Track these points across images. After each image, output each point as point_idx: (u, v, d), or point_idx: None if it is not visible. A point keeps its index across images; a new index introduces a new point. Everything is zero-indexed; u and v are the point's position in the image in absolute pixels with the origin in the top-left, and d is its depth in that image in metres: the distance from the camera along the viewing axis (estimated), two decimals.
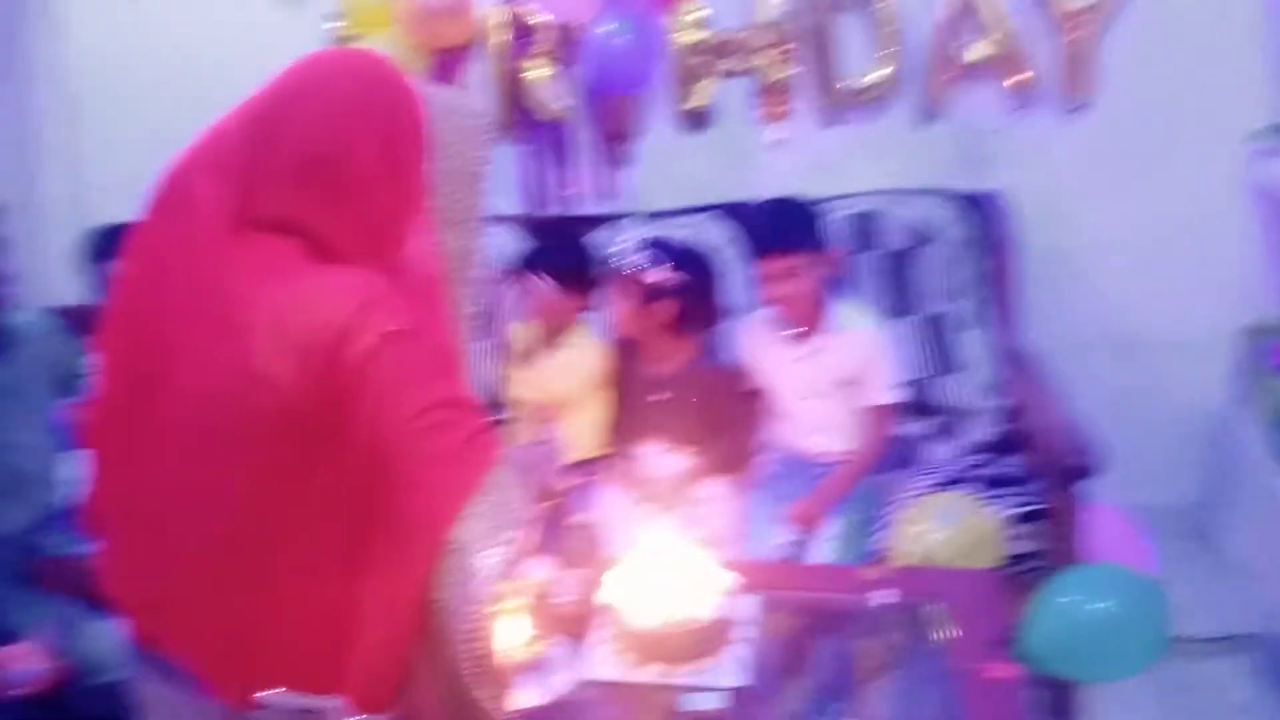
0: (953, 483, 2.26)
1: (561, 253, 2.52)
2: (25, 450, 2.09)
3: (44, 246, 3.11)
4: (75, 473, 2.25)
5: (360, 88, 1.13)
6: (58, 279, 3.07)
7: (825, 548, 2.20)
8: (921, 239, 2.68)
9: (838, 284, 2.42)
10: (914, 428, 2.58)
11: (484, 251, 1.28)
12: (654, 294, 2.30)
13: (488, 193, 1.26)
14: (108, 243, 2.73)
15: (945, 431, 2.59)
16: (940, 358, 2.63)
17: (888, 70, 2.76)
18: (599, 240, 2.84)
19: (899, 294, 2.67)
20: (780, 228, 2.30)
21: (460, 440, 1.03)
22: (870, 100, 2.80)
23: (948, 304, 2.66)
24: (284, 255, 1.08)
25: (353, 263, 1.10)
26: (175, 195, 1.14)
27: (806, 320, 2.31)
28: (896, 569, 1.97)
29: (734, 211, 2.81)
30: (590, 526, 2.31)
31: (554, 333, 2.49)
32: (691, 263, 2.38)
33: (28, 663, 1.75)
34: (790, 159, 2.86)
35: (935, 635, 1.72)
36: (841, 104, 2.82)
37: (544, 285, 2.44)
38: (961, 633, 1.68)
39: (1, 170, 2.96)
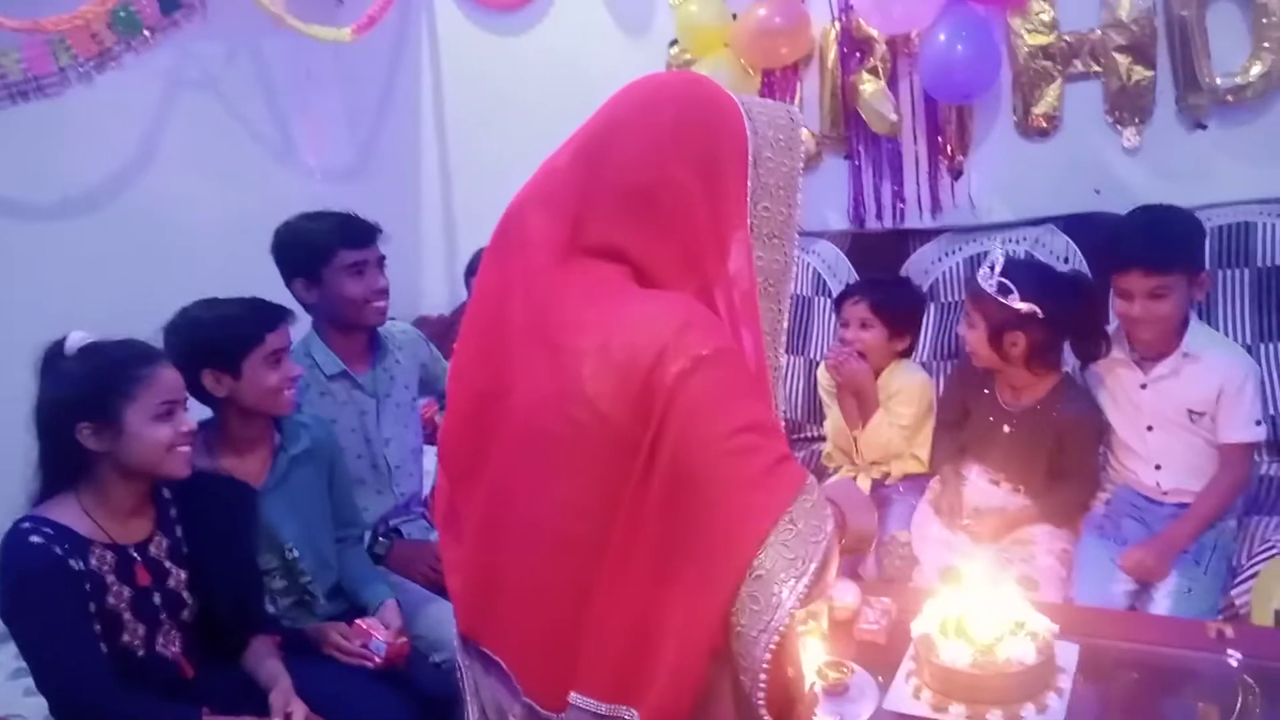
0: None
1: (890, 291, 2.50)
2: (394, 445, 2.35)
3: (418, 263, 3.52)
4: (432, 465, 2.52)
5: (679, 113, 1.18)
6: (428, 293, 3.47)
7: (1168, 599, 2.01)
8: None
9: (1200, 305, 2.20)
10: None
11: (797, 266, 1.27)
12: (1010, 323, 2.14)
13: (805, 205, 1.25)
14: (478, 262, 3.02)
15: None
16: None
17: (1269, 65, 2.46)
18: (927, 256, 2.78)
19: (1274, 315, 2.38)
20: (1155, 240, 2.08)
21: (766, 465, 1.05)
22: (1244, 99, 2.51)
23: None
24: (610, 280, 1.15)
25: (673, 285, 1.15)
26: (511, 227, 1.24)
27: (1160, 343, 2.12)
28: (1253, 628, 1.76)
29: (1079, 224, 2.65)
30: (906, 544, 2.26)
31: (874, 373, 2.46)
32: (1066, 292, 2.18)
33: (380, 636, 1.94)
34: (1147, 166, 2.64)
35: None
36: (1210, 104, 2.55)
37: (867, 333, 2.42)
38: None
39: (389, 193, 3.35)
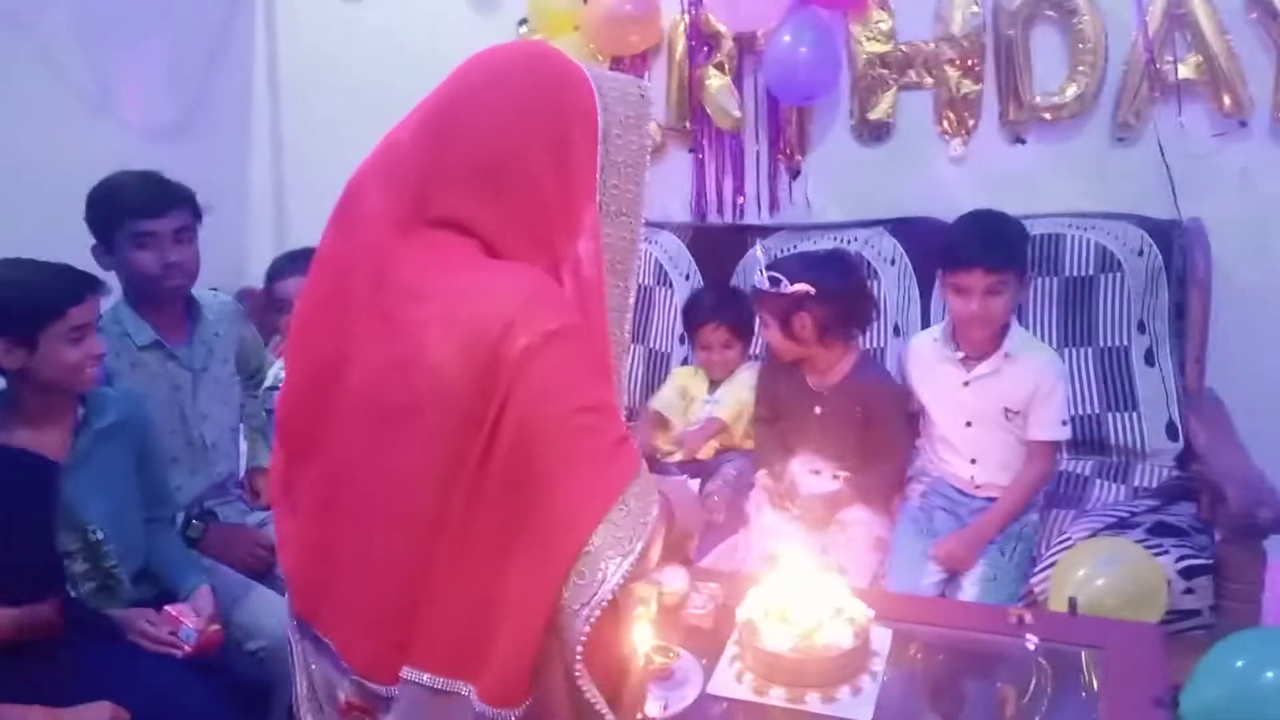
0: (1119, 527, 2.13)
1: (737, 306, 2.61)
2: (210, 421, 2.24)
3: (244, 232, 3.36)
4: (249, 446, 2.42)
5: (526, 87, 1.16)
6: (254, 264, 3.32)
7: (974, 587, 2.12)
8: (1107, 266, 2.54)
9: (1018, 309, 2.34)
10: (1081, 465, 2.46)
11: (642, 246, 1.27)
12: (792, 308, 2.27)
13: (649, 195, 1.25)
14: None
15: (1115, 472, 2.45)
16: (1116, 393, 2.50)
17: (1083, 86, 2.63)
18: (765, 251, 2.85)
19: (1078, 323, 2.55)
20: (993, 240, 2.19)
21: (605, 446, 1.06)
22: (1062, 118, 2.68)
23: (1129, 337, 2.52)
24: (457, 251, 1.13)
25: (522, 259, 1.13)
26: (352, 200, 1.20)
27: (984, 344, 2.23)
28: (1050, 614, 1.88)
29: (906, 227, 2.76)
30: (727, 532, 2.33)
31: (720, 379, 2.63)
32: (828, 267, 2.34)
33: (190, 623, 1.85)
34: (971, 176, 2.78)
35: (1086, 687, 1.64)
36: (1030, 121, 2.71)
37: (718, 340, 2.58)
38: (1115, 688, 1.59)
39: (215, 156, 3.17)
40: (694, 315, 2.65)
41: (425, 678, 1.09)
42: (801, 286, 2.26)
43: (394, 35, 3.16)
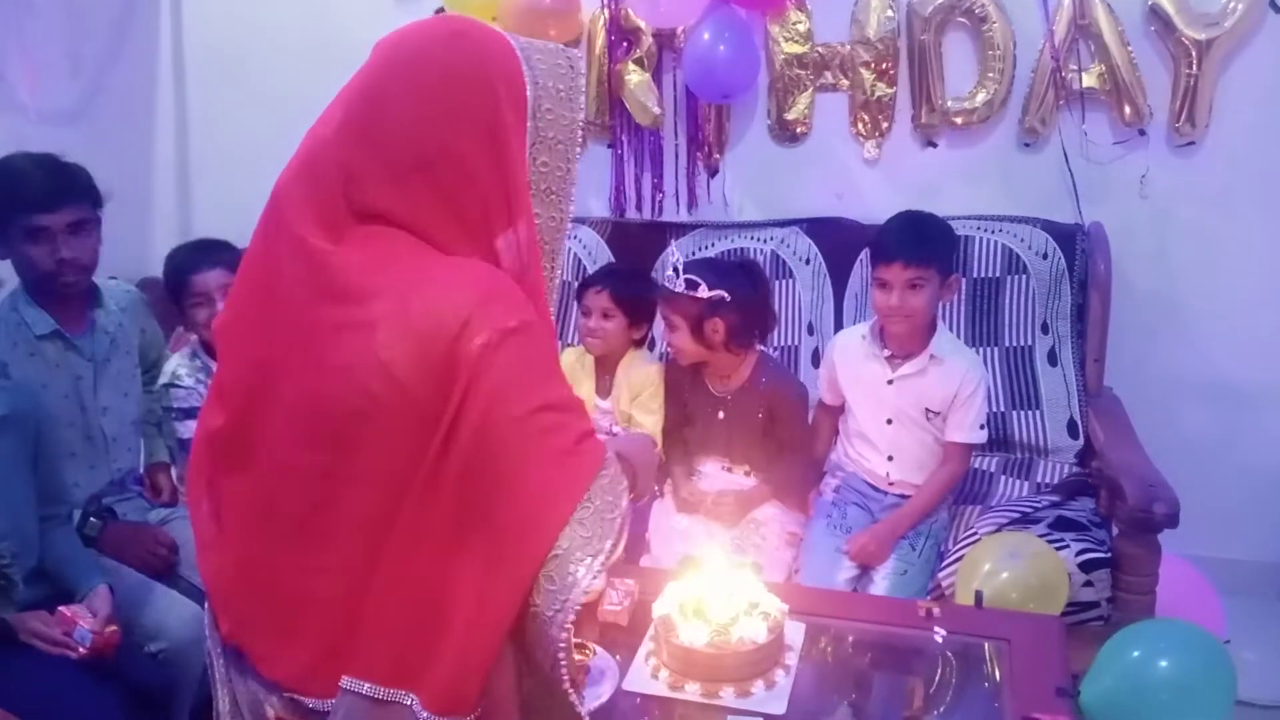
0: (1023, 522, 2.19)
1: (630, 282, 2.53)
2: (111, 414, 2.15)
3: (148, 220, 3.26)
4: (147, 442, 2.34)
5: (452, 70, 1.10)
6: (158, 252, 3.21)
7: (885, 581, 2.16)
8: (1013, 268, 2.62)
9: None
10: (987, 462, 2.52)
11: (569, 226, 1.23)
12: (706, 312, 2.26)
13: (579, 172, 1.21)
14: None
15: (1019, 469, 2.52)
16: (1021, 392, 2.57)
17: (992, 93, 2.70)
18: (682, 250, 2.84)
19: (985, 323, 2.62)
20: (916, 236, 2.23)
21: (567, 445, 1.03)
22: (972, 123, 2.74)
23: (1034, 337, 2.59)
24: (397, 245, 1.08)
25: (460, 249, 1.09)
26: (275, 208, 1.14)
27: (910, 343, 2.27)
28: (957, 607, 1.92)
29: (820, 227, 2.80)
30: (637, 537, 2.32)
31: (612, 360, 2.52)
32: (741, 275, 2.34)
33: (85, 624, 1.78)
34: (885, 178, 2.83)
35: (990, 678, 1.68)
36: (941, 125, 2.77)
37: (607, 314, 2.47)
38: (1018, 678, 1.63)
39: (117, 142, 3.07)
40: (585, 282, 2.58)
41: (366, 687, 1.05)
42: (718, 292, 2.25)
43: (305, 21, 3.09)
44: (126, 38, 3.17)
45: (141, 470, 2.33)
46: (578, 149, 1.18)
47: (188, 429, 2.20)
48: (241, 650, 1.17)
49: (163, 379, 2.29)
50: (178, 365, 2.28)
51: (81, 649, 1.76)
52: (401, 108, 1.09)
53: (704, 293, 2.25)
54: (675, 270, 2.30)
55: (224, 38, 3.17)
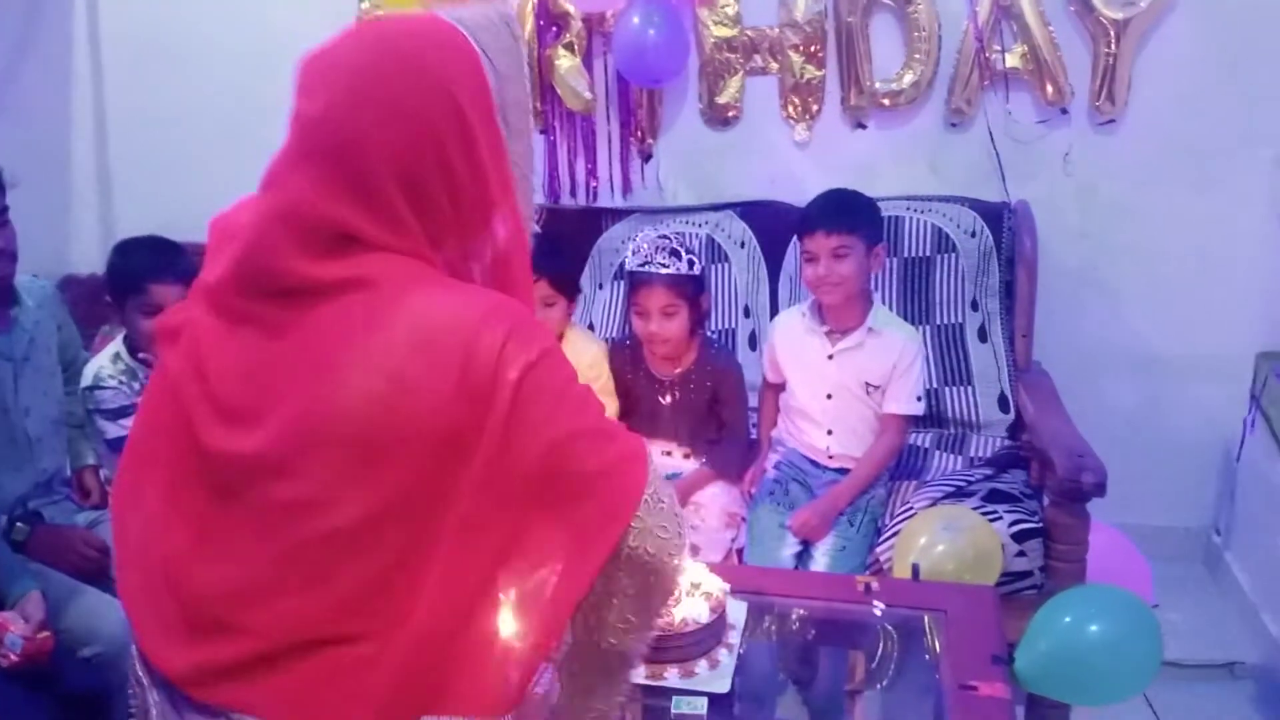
0: (957, 495, 2.24)
1: (559, 262, 2.45)
2: (34, 415, 2.09)
3: (66, 214, 3.16)
4: (71, 444, 2.28)
5: (412, 86, 1.03)
6: (77, 248, 3.12)
7: (825, 557, 2.19)
8: (942, 247, 2.66)
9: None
10: (922, 438, 2.56)
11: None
12: (699, 291, 2.29)
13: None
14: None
15: (952, 443, 2.57)
16: (952, 368, 2.62)
17: (919, 74, 2.73)
18: (618, 235, 2.85)
19: (916, 301, 2.66)
20: (837, 206, 2.27)
21: (628, 451, 1.06)
22: (899, 104, 2.78)
23: (964, 315, 2.64)
24: (393, 269, 1.03)
25: (449, 252, 1.07)
26: (254, 253, 1.05)
27: (846, 317, 2.30)
28: (895, 581, 1.96)
29: (754, 210, 2.82)
30: None
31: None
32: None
33: (16, 631, 1.73)
34: (816, 160, 2.85)
35: (929, 649, 1.72)
36: (870, 107, 2.80)
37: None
38: (956, 648, 1.67)
39: (32, 134, 2.98)
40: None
41: None
42: (700, 266, 2.28)
43: (226, 10, 3.00)
44: (39, 28, 3.06)
45: (69, 472, 2.26)
46: (527, 83, 1.16)
47: (118, 428, 2.14)
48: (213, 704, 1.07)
49: (84, 381, 2.22)
50: (100, 368, 2.20)
51: (12, 656, 1.72)
52: (366, 140, 1.02)
53: (697, 269, 2.27)
54: (675, 252, 2.25)
55: (144, 33, 3.06)
